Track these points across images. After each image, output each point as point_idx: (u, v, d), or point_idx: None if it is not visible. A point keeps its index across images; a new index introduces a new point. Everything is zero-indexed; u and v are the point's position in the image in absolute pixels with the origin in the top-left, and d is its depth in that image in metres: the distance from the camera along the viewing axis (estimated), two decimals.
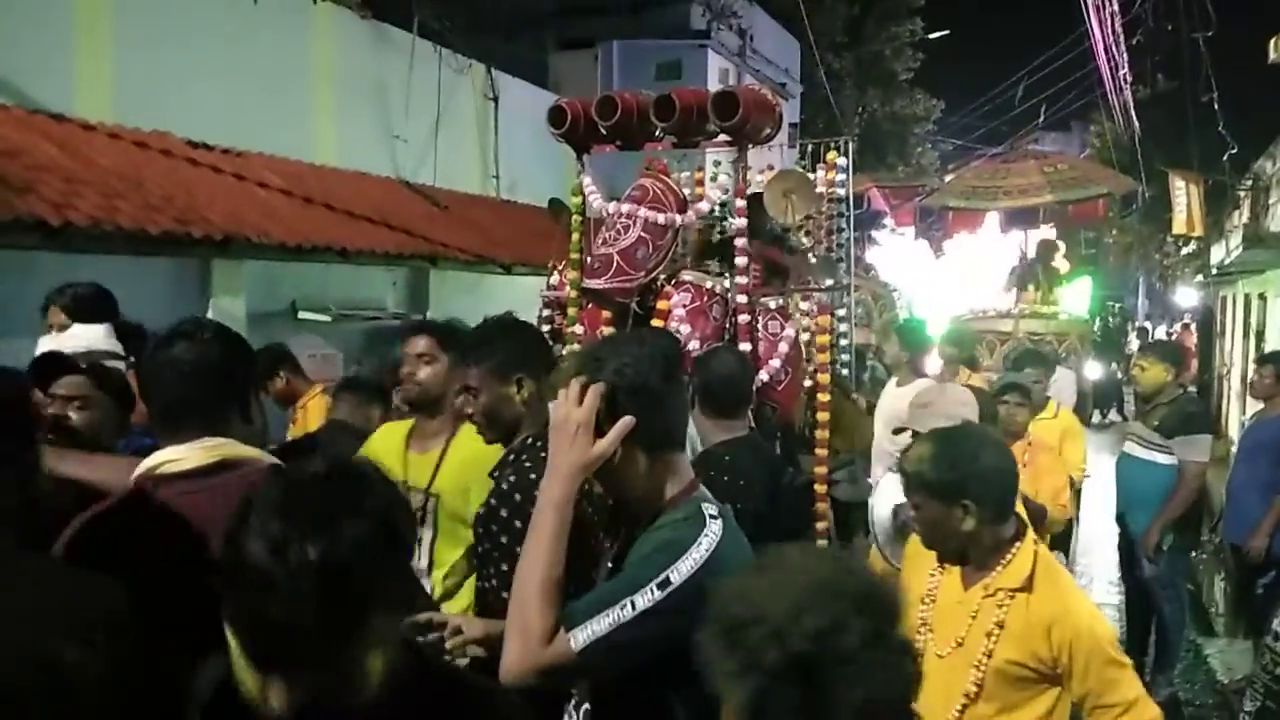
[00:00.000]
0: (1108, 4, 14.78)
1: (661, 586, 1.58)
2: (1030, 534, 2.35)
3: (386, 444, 3.27)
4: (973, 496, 2.21)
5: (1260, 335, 11.93)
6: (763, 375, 4.73)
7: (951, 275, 10.82)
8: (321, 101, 9.86)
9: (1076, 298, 10.60)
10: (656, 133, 4.72)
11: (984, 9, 39.88)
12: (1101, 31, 15.51)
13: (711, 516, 1.69)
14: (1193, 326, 21.89)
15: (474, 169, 12.14)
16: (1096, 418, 15.47)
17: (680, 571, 1.60)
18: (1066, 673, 2.19)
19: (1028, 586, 2.23)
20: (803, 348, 5.03)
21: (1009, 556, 2.27)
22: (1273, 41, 6.85)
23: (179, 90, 7.97)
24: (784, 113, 5.00)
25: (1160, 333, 22.70)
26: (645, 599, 1.58)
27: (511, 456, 2.49)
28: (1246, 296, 13.31)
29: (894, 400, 5.17)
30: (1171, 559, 5.41)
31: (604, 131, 4.77)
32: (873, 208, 12.75)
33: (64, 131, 6.77)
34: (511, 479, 2.41)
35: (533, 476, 2.27)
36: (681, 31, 16.43)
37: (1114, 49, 16.27)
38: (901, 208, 12.18)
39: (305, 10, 9.64)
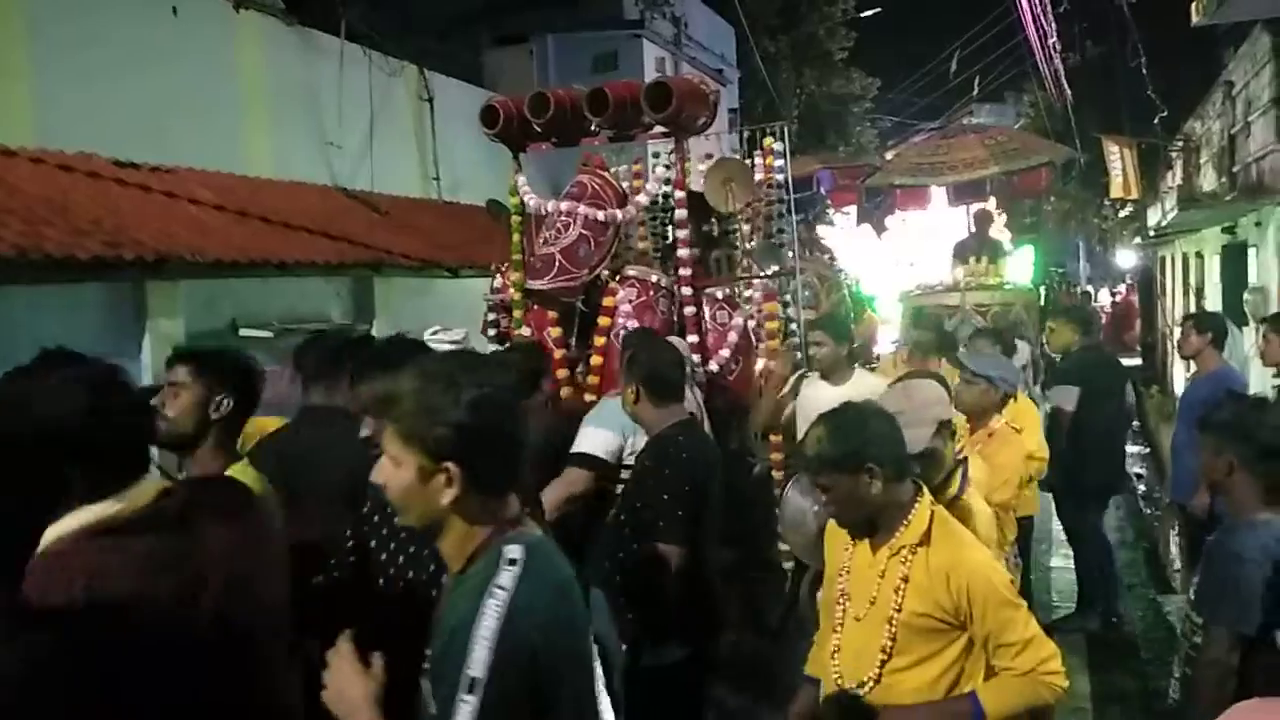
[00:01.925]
0: None
1: (471, 689, 1.52)
2: (927, 493, 2.49)
3: None
4: (873, 459, 2.34)
5: (1200, 293, 12.22)
6: (713, 365, 4.74)
7: (896, 252, 10.92)
8: (252, 112, 9.66)
9: (1021, 267, 10.75)
10: (592, 127, 4.73)
11: None
12: (1029, 1, 15.72)
13: (509, 560, 1.61)
14: (1135, 287, 22.37)
15: (413, 172, 12.00)
16: None
17: (479, 662, 1.53)
18: (967, 617, 2.32)
19: (925, 540, 2.38)
20: (751, 335, 5.04)
21: (910, 517, 2.40)
22: (1194, 4, 6.97)
23: (103, 109, 7.75)
24: (719, 101, 4.99)
25: (1104, 296, 23.14)
26: (465, 711, 1.51)
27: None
28: (1184, 256, 13.61)
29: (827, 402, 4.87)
30: (1071, 508, 5.92)
31: (538, 129, 4.76)
32: (823, 189, 12.81)
33: None
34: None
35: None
36: (616, 22, 16.37)
37: (1042, 18, 16.50)
38: (844, 188, 12.25)
39: (229, 19, 9.43)
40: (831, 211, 14.06)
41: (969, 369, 4.38)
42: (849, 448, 2.36)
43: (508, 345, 4.83)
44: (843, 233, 12.38)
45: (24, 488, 1.58)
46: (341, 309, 9.20)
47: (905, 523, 2.40)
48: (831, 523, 2.61)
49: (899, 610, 2.34)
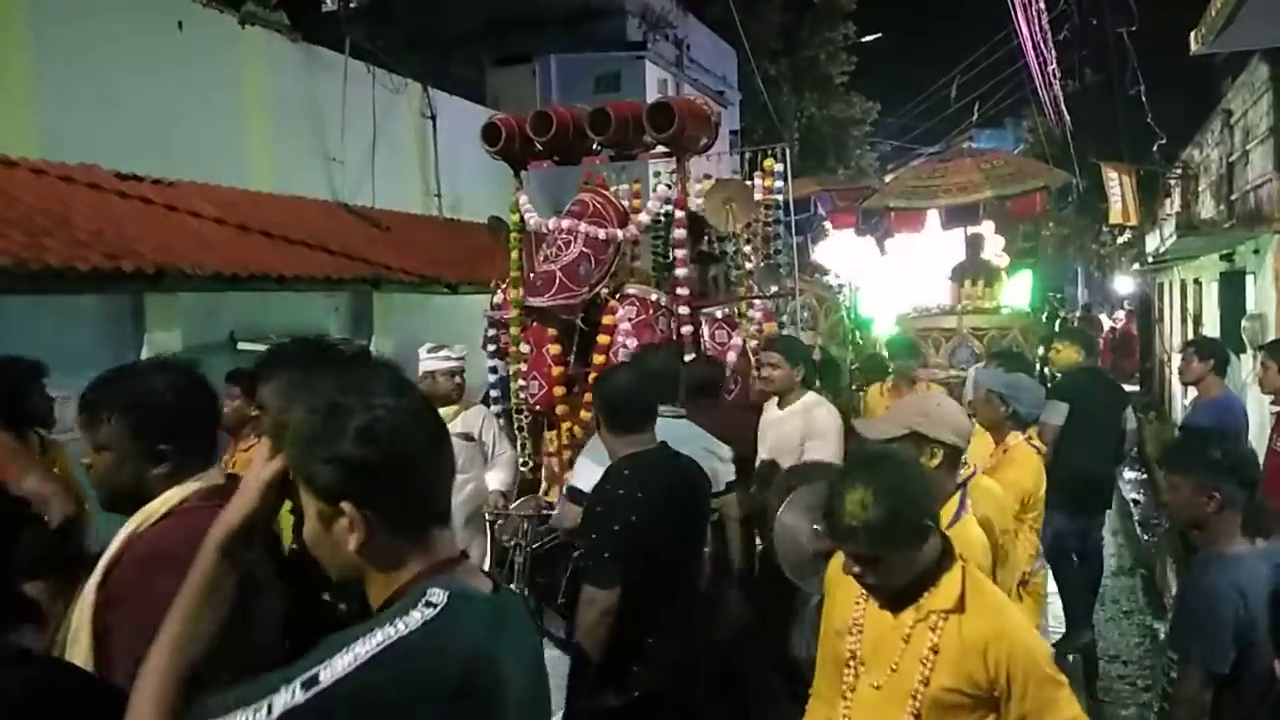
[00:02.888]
0: (1034, 2, 15.10)
1: (307, 686, 1.25)
2: (957, 551, 2.24)
3: None
4: (931, 521, 2.14)
5: (1198, 320, 12.23)
6: None
7: (895, 274, 10.93)
8: (255, 127, 9.70)
9: (1018, 292, 10.77)
10: (594, 146, 4.76)
11: (915, 11, 40.59)
12: (1029, 28, 15.84)
13: (427, 603, 1.33)
14: (1134, 314, 22.39)
15: (415, 189, 12.03)
16: None
17: (334, 669, 1.26)
18: (1004, 694, 2.08)
19: (959, 607, 2.13)
20: (751, 355, 5.04)
21: (941, 578, 2.15)
22: (1193, 33, 7.01)
23: (106, 122, 7.78)
24: (720, 121, 5.02)
25: (1104, 322, 23.17)
26: (284, 698, 1.24)
27: None
28: (1183, 283, 13.64)
29: (773, 424, 4.53)
30: (1054, 528, 5.65)
31: (540, 147, 4.79)
32: (821, 210, 12.86)
33: None
34: None
35: None
36: (618, 44, 16.47)
37: (1042, 45, 16.62)
38: (843, 210, 12.28)
39: (234, 35, 9.48)
40: (830, 229, 14.12)
41: (982, 383, 4.43)
42: (912, 520, 2.10)
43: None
44: (842, 249, 12.37)
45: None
46: (339, 324, 9.20)
47: (936, 584, 2.15)
48: (836, 567, 2.35)
49: (926, 684, 2.09)
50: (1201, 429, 3.45)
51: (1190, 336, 11.18)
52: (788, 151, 5.53)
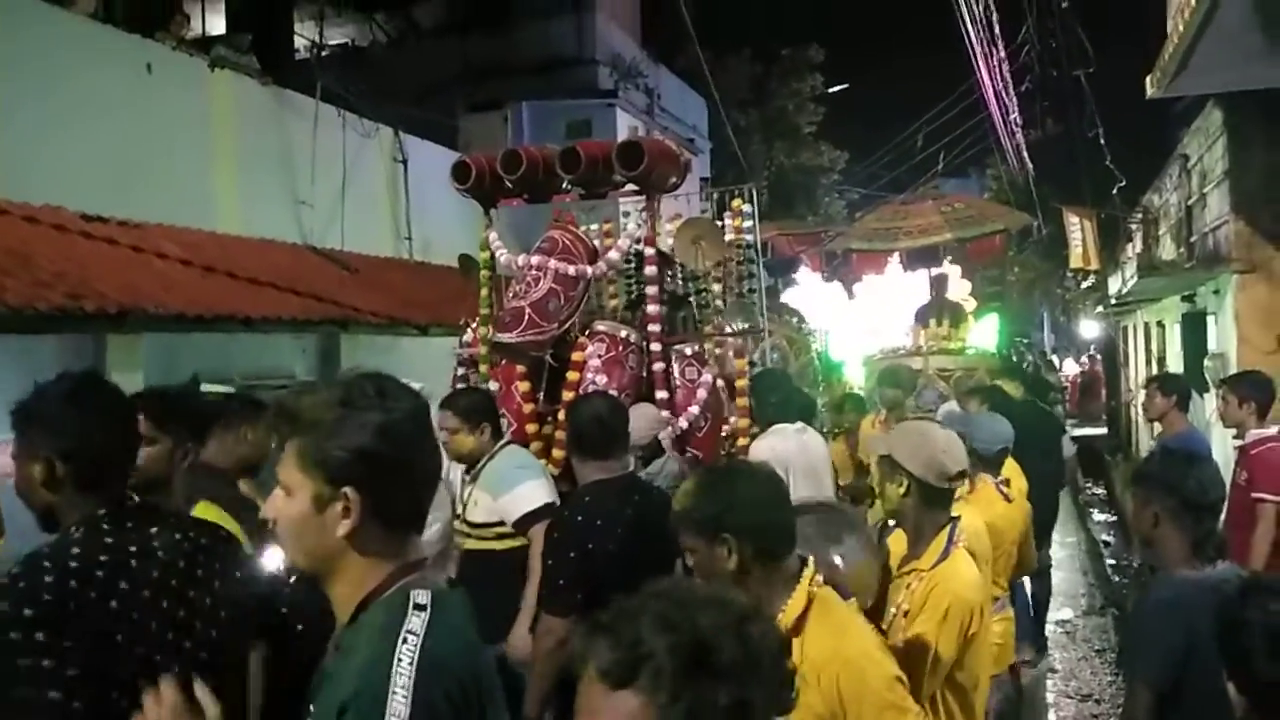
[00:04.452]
0: (995, 54, 15.47)
1: None
2: (810, 570, 2.14)
3: None
4: (731, 528, 2.06)
5: (1161, 362, 12.40)
6: (681, 423, 4.71)
7: (862, 317, 11.02)
8: (223, 170, 9.66)
9: (984, 334, 10.89)
10: (564, 185, 4.77)
11: (882, 63, 41.52)
12: (990, 79, 16.21)
13: (416, 605, 1.46)
14: (1099, 358, 22.70)
15: (385, 232, 12.01)
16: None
17: (399, 715, 1.36)
18: None
19: (797, 629, 2.05)
20: (720, 393, 5.03)
21: (787, 600, 2.07)
22: (1148, 78, 7.18)
23: (72, 163, 7.71)
24: (689, 162, 5.07)
25: (1069, 366, 23.46)
26: None
27: None
28: (1146, 325, 13.84)
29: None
30: None
31: (510, 185, 4.80)
32: (777, 254, 13.01)
33: None
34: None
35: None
36: (590, 91, 16.63)
37: (1003, 95, 16.99)
38: (809, 253, 12.44)
39: (203, 78, 9.48)
40: (803, 269, 14.24)
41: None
42: (709, 510, 2.10)
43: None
44: (811, 293, 12.47)
45: None
46: (307, 365, 9.11)
47: (782, 609, 2.06)
48: None
49: None
50: (1171, 449, 3.45)
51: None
52: (754, 193, 5.56)
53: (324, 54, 16.29)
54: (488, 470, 4.02)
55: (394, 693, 1.36)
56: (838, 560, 2.91)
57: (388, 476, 1.50)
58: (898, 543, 2.89)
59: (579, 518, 3.14)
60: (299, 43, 16.69)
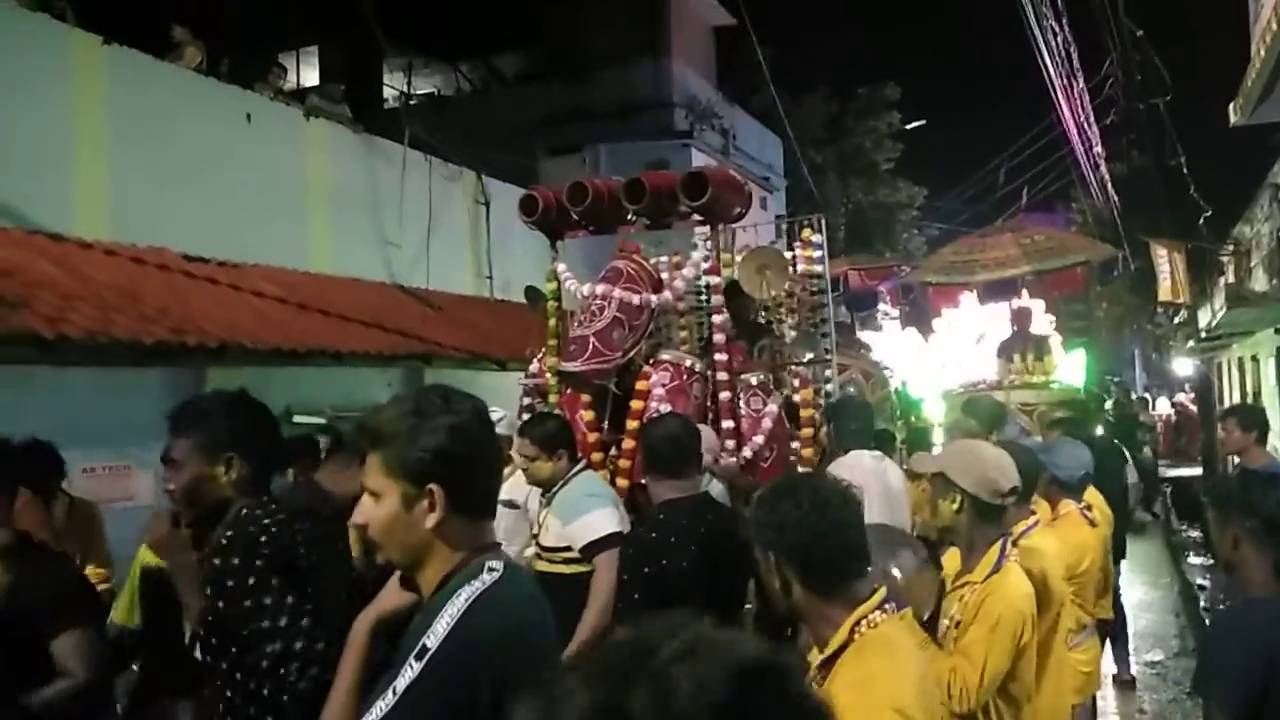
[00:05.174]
0: (1075, 87, 15.27)
1: (419, 656, 1.55)
2: (865, 607, 2.00)
3: None
4: (776, 549, 2.03)
5: (1256, 397, 11.96)
6: (745, 452, 4.65)
7: (941, 351, 10.89)
8: (317, 213, 10.13)
9: (1073, 371, 10.64)
10: (629, 216, 4.80)
11: (961, 98, 41.10)
12: (1072, 112, 15.98)
13: (489, 569, 1.67)
14: (1193, 396, 21.84)
15: (467, 271, 12.37)
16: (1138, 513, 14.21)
17: (436, 633, 1.57)
18: None
19: (826, 667, 1.96)
20: (786, 423, 4.97)
21: (838, 631, 1.98)
22: (1231, 105, 7.07)
23: (176, 207, 8.21)
24: (751, 192, 5.13)
25: (1162, 404, 22.67)
26: (405, 677, 1.54)
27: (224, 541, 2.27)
28: (1240, 360, 13.39)
29: None
30: None
31: (576, 217, 4.84)
32: (851, 289, 12.97)
33: (61, 250, 6.96)
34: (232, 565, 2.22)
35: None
36: (666, 133, 16.91)
37: (1086, 128, 16.72)
38: (886, 288, 12.39)
39: (299, 126, 9.99)
40: (885, 313, 14.08)
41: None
42: (759, 524, 2.09)
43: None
44: (891, 335, 12.41)
45: None
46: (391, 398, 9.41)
47: (830, 638, 1.99)
48: None
49: None
50: (1254, 472, 3.37)
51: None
52: (824, 223, 5.59)
53: (412, 103, 17.01)
54: (561, 495, 4.08)
55: (440, 618, 1.57)
56: (895, 572, 2.96)
57: (464, 469, 1.70)
58: (951, 561, 2.92)
59: (653, 534, 3.19)
60: (388, 93, 17.44)
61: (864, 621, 1.98)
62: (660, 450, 3.36)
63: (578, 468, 4.18)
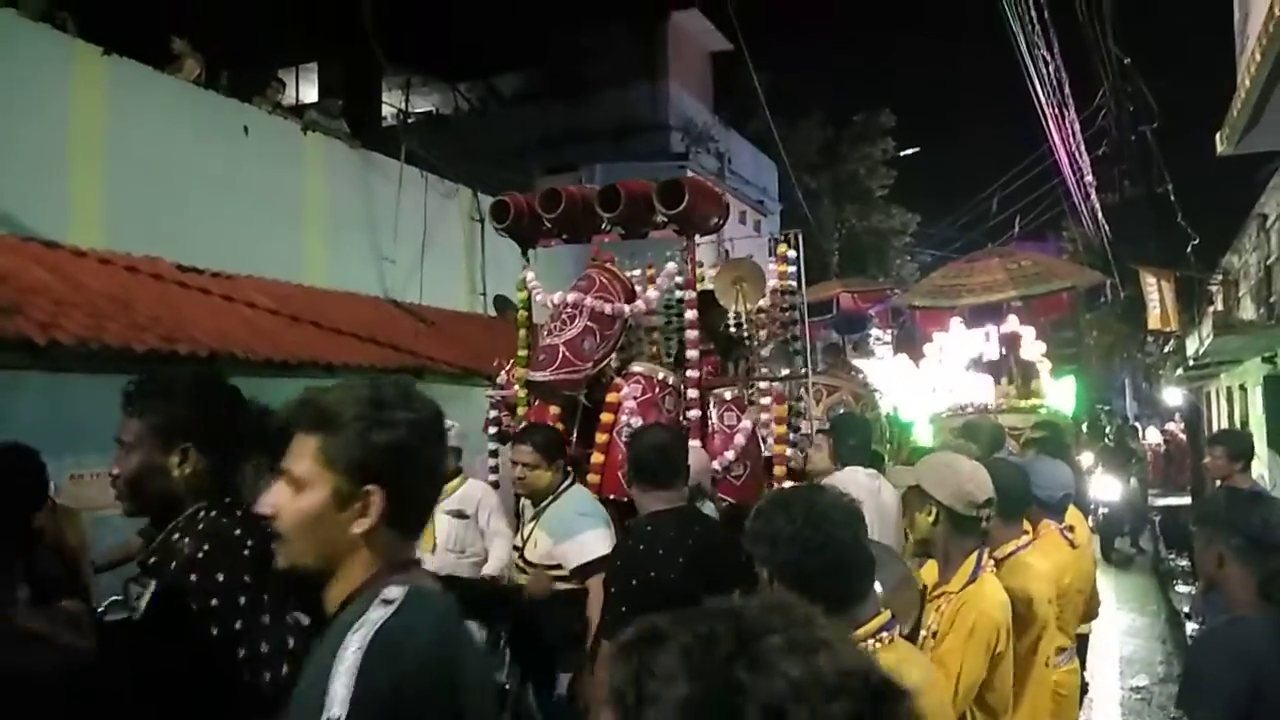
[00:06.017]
0: (1067, 117, 15.44)
1: None
2: (861, 633, 1.97)
3: None
4: (766, 563, 1.98)
5: (1244, 426, 12.01)
6: (715, 466, 4.47)
7: (930, 376, 10.93)
8: (312, 226, 10.18)
9: (1062, 397, 10.68)
10: (603, 225, 4.61)
11: (953, 127, 41.51)
12: (1063, 143, 16.14)
13: (385, 601, 1.42)
14: (1182, 425, 21.88)
15: (461, 287, 12.41)
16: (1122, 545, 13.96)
17: (338, 699, 1.32)
18: None
19: None
20: (759, 440, 4.77)
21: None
22: (1217, 135, 7.15)
23: (171, 217, 8.25)
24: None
25: (1152, 434, 22.72)
26: None
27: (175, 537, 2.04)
28: (1229, 389, 13.46)
29: None
30: None
31: (549, 225, 4.67)
32: (843, 311, 13.03)
33: (55, 257, 6.99)
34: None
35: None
36: (662, 155, 17.04)
37: (1077, 158, 16.88)
38: (876, 311, 12.48)
39: (296, 140, 10.06)
40: (876, 337, 14.11)
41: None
42: (753, 535, 2.03)
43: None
44: (879, 363, 12.45)
45: None
46: None
47: None
48: None
49: None
50: (1239, 490, 3.36)
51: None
52: (799, 237, 5.43)
53: (409, 120, 17.11)
54: (551, 511, 3.96)
55: (335, 677, 1.33)
56: (877, 587, 2.97)
57: (410, 476, 1.51)
58: (928, 574, 2.93)
59: (641, 546, 3.13)
60: (386, 110, 17.53)
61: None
62: (647, 461, 3.30)
63: (568, 482, 4.10)
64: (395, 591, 1.43)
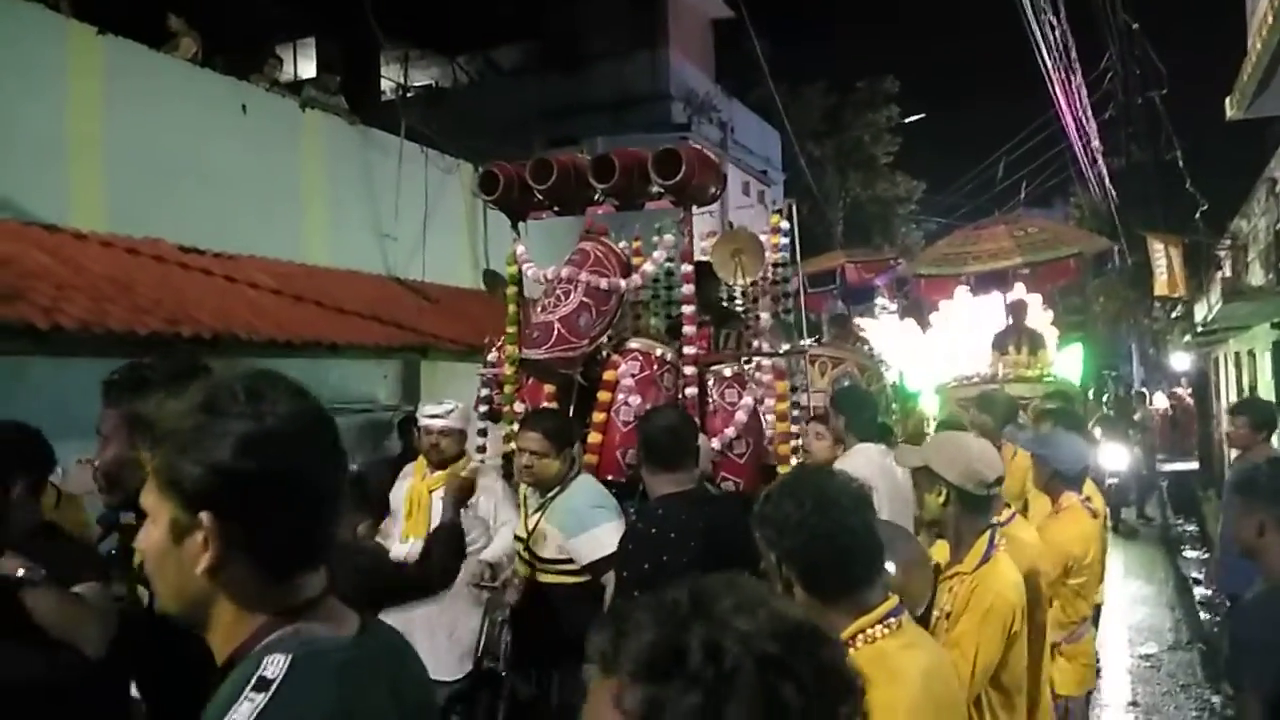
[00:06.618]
0: (1073, 82, 15.26)
1: None
2: (868, 619, 1.90)
3: None
4: (774, 548, 1.94)
5: (1253, 392, 11.96)
6: (715, 444, 4.32)
7: (938, 345, 10.89)
8: (313, 205, 10.12)
9: (1069, 365, 10.63)
10: (596, 196, 4.43)
11: (960, 92, 41.10)
12: (1070, 107, 15.97)
13: (258, 684, 1.11)
14: (1189, 390, 21.85)
15: (464, 263, 12.35)
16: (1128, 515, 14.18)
17: None
18: None
19: None
20: (761, 416, 4.62)
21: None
22: (1227, 99, 7.07)
23: (171, 199, 8.20)
24: (728, 172, 4.80)
25: (1159, 399, 22.67)
26: None
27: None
28: (1237, 355, 13.39)
29: None
30: None
31: (540, 196, 4.49)
32: (848, 283, 12.96)
33: (56, 241, 6.95)
34: None
35: None
36: (664, 126, 16.87)
37: (1084, 123, 16.72)
38: (882, 282, 12.40)
39: (295, 118, 9.97)
40: (884, 307, 14.05)
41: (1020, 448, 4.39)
42: (761, 519, 2.00)
43: None
44: (886, 328, 12.40)
45: None
46: (388, 390, 9.42)
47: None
48: None
49: None
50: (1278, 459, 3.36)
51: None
52: (793, 209, 5.28)
53: (408, 95, 16.97)
54: (560, 504, 3.82)
55: None
56: (890, 568, 2.96)
57: (253, 500, 1.18)
58: (940, 553, 2.92)
59: (653, 529, 3.09)
60: (385, 85, 17.40)
61: (861, 636, 1.88)
62: (658, 442, 3.26)
63: (574, 471, 3.94)
64: (275, 667, 1.12)
